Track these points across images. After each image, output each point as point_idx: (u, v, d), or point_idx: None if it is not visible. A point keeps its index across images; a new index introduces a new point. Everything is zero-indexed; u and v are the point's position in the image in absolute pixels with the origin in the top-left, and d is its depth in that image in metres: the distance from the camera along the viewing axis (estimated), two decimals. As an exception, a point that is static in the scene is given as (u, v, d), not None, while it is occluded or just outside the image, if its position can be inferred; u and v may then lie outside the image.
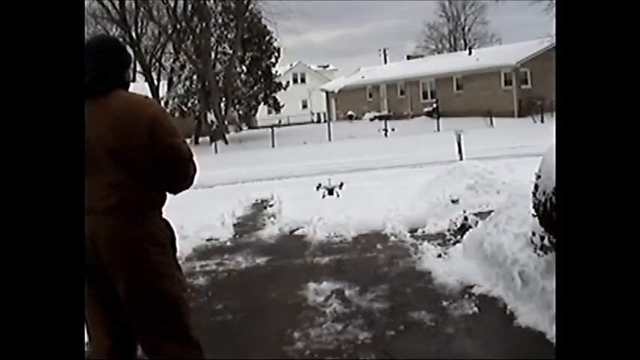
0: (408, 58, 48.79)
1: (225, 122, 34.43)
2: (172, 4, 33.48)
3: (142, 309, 2.45)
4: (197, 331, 2.60)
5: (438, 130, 28.28)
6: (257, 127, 44.21)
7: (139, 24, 36.99)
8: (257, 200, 10.79)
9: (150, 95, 27.82)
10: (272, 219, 8.54)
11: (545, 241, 4.02)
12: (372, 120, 38.43)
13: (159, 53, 39.24)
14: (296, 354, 3.65)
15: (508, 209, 5.13)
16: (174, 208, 3.27)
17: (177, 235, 2.68)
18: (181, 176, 2.54)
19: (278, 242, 7.18)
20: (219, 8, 34.69)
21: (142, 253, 2.41)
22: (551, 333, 3.42)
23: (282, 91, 39.40)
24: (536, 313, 3.72)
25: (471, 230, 5.79)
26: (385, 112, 39.53)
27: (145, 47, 38.53)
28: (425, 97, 38.63)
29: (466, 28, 60.32)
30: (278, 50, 37.95)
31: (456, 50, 54.86)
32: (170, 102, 34.48)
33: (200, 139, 34.02)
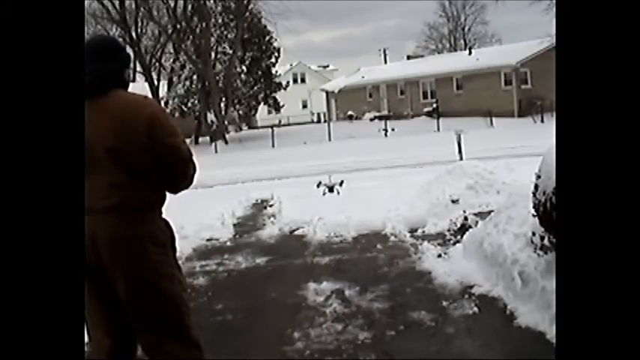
0: (408, 58, 48.80)
1: (225, 122, 34.43)
2: (172, 4, 33.49)
3: (142, 309, 2.45)
4: (197, 331, 2.60)
5: (438, 130, 28.28)
6: (257, 127, 44.21)
7: (139, 24, 37.00)
8: (257, 200, 10.79)
9: (150, 95, 27.82)
10: (272, 219, 8.54)
11: (545, 241, 4.02)
12: (372, 120, 38.43)
13: (159, 53, 39.25)
14: (296, 354, 3.65)
15: (508, 209, 5.13)
16: (174, 208, 3.27)
17: (177, 235, 2.69)
18: (181, 176, 2.54)
19: (278, 242, 7.18)
20: (219, 8, 34.70)
21: (141, 253, 2.41)
22: (551, 333, 3.42)
23: (282, 91, 39.41)
24: (536, 313, 3.72)
25: (471, 230, 5.79)
26: (385, 112, 39.53)
27: (145, 47, 38.53)
28: (425, 97, 38.63)
29: (466, 28, 60.39)
30: (278, 50, 37.97)
31: (456, 50, 54.87)
32: (170, 102, 34.49)
33: (200, 139, 34.02)
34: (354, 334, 3.86)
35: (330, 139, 29.47)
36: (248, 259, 6.32)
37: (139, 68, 36.41)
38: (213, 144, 30.13)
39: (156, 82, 35.13)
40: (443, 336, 3.75)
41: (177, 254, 2.65)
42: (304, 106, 57.68)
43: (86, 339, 2.43)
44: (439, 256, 5.57)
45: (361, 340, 3.77)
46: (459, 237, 6.16)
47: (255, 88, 36.90)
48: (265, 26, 35.70)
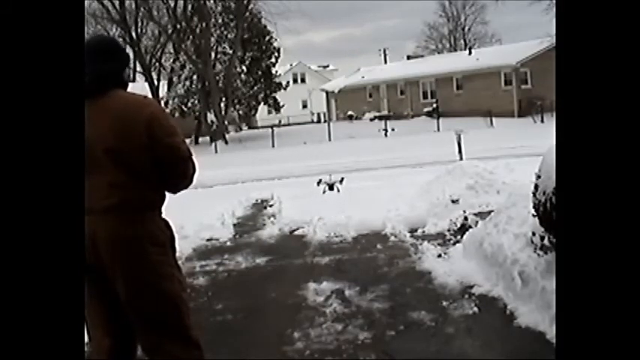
0: (408, 58, 48.79)
1: (225, 122, 34.44)
2: (172, 4, 33.49)
3: (141, 309, 2.45)
4: (197, 331, 2.60)
5: (438, 130, 28.28)
6: (257, 127, 44.21)
7: (139, 24, 37.01)
8: (257, 200, 10.79)
9: (150, 95, 27.81)
10: (272, 219, 8.54)
11: (545, 241, 4.02)
12: (372, 120, 38.43)
13: (159, 53, 39.26)
14: (296, 354, 3.65)
15: (508, 209, 5.13)
16: (174, 208, 3.27)
17: (177, 235, 2.69)
18: (181, 176, 2.54)
19: (278, 242, 7.18)
20: (219, 8, 34.70)
21: (141, 253, 2.41)
22: (551, 333, 3.42)
23: (282, 91, 39.41)
24: (536, 313, 3.72)
25: (471, 230, 5.79)
26: (385, 112, 39.54)
27: (145, 47, 38.54)
28: (425, 97, 38.64)
29: (466, 28, 60.39)
30: (278, 50, 37.98)
31: (456, 50, 54.86)
32: (170, 102, 34.49)
33: (200, 139, 34.03)
34: (354, 334, 3.86)
35: (330, 139, 29.48)
36: (248, 259, 6.32)
37: (139, 68, 36.42)
38: (213, 144, 30.13)
39: (156, 82, 35.14)
40: (443, 336, 3.75)
41: (177, 254, 2.65)
42: (304, 106, 57.68)
43: (86, 339, 2.43)
44: (439, 256, 5.57)
45: (361, 340, 3.77)
46: (459, 237, 6.16)
47: (255, 88, 36.90)
48: (265, 26, 35.71)
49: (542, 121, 28.38)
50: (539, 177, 3.97)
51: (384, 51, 54.56)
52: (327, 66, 69.86)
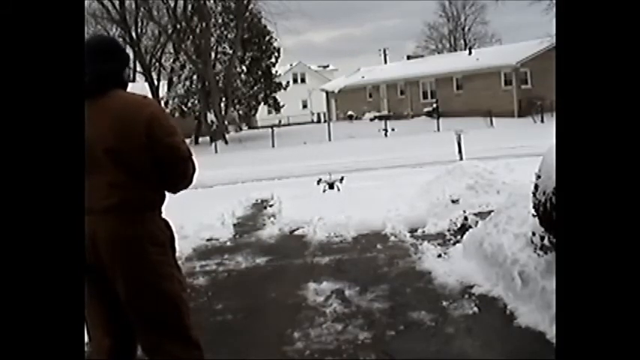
0: (408, 58, 48.80)
1: (225, 122, 34.44)
2: (172, 4, 33.49)
3: (141, 309, 2.45)
4: (197, 331, 2.60)
5: (438, 130, 28.28)
6: (257, 127, 44.21)
7: (139, 24, 37.01)
8: (257, 200, 10.79)
9: (150, 95, 27.81)
10: (272, 219, 8.54)
11: (545, 241, 4.02)
12: (372, 120, 38.44)
13: (159, 53, 39.26)
14: (296, 354, 3.65)
15: (508, 209, 5.13)
16: (174, 208, 3.27)
17: (177, 235, 2.69)
18: (181, 176, 2.54)
19: (278, 242, 7.18)
20: (219, 8, 34.70)
21: (141, 253, 2.41)
22: (551, 333, 3.42)
23: (282, 91, 39.41)
24: (536, 313, 3.72)
25: (471, 230, 5.79)
26: (385, 112, 39.54)
27: (145, 47, 38.54)
28: (425, 97, 38.64)
29: (466, 28, 60.39)
30: (278, 50, 37.98)
31: (456, 50, 54.86)
32: (170, 102, 34.49)
33: (200, 139, 34.03)
34: (354, 334, 3.86)
35: (330, 139, 29.48)
36: (248, 259, 6.32)
37: (139, 68, 36.42)
38: (213, 144, 30.13)
39: (156, 82, 35.14)
40: (443, 336, 3.75)
41: (177, 254, 2.65)
42: (304, 106, 57.68)
43: (86, 339, 2.43)
44: (439, 256, 5.57)
45: (361, 340, 3.77)
46: (459, 237, 6.15)
47: (255, 88, 36.90)
48: (265, 26, 35.72)
49: (542, 121, 28.39)
50: (539, 177, 3.97)
51: (384, 51, 54.62)
52: (327, 66, 69.87)
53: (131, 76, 2.91)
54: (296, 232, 7.49)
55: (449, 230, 6.72)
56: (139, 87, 28.61)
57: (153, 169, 2.44)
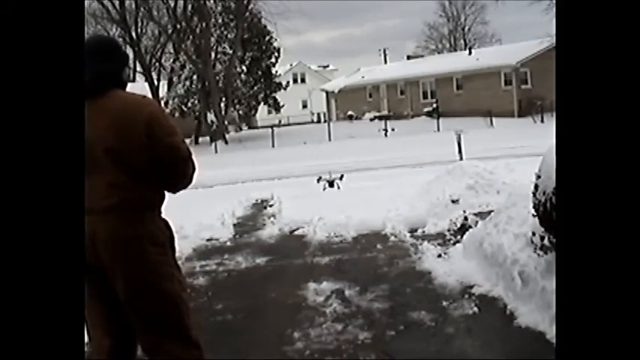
0: (408, 58, 48.80)
1: (225, 122, 34.45)
2: (172, 4, 33.50)
3: (141, 309, 2.45)
4: (197, 331, 2.60)
5: (438, 130, 28.29)
6: (257, 127, 44.22)
7: (139, 24, 37.03)
8: (257, 200, 10.79)
9: (150, 95, 27.82)
10: (272, 219, 8.54)
11: (545, 241, 4.02)
12: (372, 120, 38.45)
13: (159, 53, 39.27)
14: (296, 354, 3.65)
15: (508, 209, 5.13)
16: (174, 208, 3.27)
17: (177, 235, 2.69)
18: (180, 175, 2.54)
19: (278, 242, 7.18)
20: (219, 8, 34.71)
21: (141, 253, 2.41)
22: (551, 333, 3.42)
23: (282, 91, 39.43)
24: (536, 313, 3.72)
25: (471, 230, 5.79)
26: (385, 112, 39.55)
27: (145, 47, 38.56)
28: (425, 97, 38.65)
29: (466, 28, 60.39)
30: (278, 50, 38.00)
31: (456, 50, 54.86)
32: (170, 102, 34.50)
33: (200, 139, 34.04)
34: (354, 334, 3.86)
35: (330, 139, 29.49)
36: (248, 259, 6.32)
37: (139, 68, 36.45)
38: (213, 144, 30.14)
39: (156, 82, 35.15)
40: (443, 336, 3.75)
41: (177, 254, 2.65)
42: (304, 106, 57.69)
43: (86, 339, 2.43)
44: (439, 256, 5.57)
45: (361, 340, 3.77)
46: (459, 237, 6.15)
47: (255, 88, 36.91)
48: (265, 26, 35.73)
49: (542, 121, 28.39)
50: (539, 177, 3.97)
51: (384, 51, 54.62)
52: (327, 66, 69.87)
53: (131, 76, 2.90)
54: (296, 232, 7.49)
55: (449, 230, 6.72)
56: (139, 87, 28.62)
57: (153, 169, 2.44)
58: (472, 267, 4.93)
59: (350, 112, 41.79)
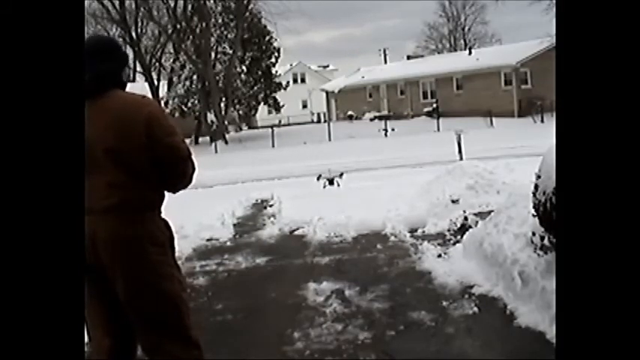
0: (408, 58, 48.80)
1: (225, 122, 34.45)
2: (172, 4, 33.51)
3: (141, 309, 2.45)
4: (197, 331, 2.60)
5: (438, 130, 28.30)
6: (257, 127, 44.22)
7: (139, 24, 37.03)
8: (257, 200, 10.79)
9: (150, 95, 27.82)
10: (272, 219, 8.54)
11: (545, 241, 4.02)
12: (372, 120, 38.45)
13: (159, 53, 39.28)
14: (296, 354, 3.65)
15: (508, 209, 5.13)
16: (174, 208, 3.27)
17: (177, 235, 2.69)
18: (180, 175, 2.54)
19: (278, 242, 7.18)
20: (219, 8, 34.71)
21: (141, 253, 2.41)
22: (551, 333, 3.42)
23: (282, 91, 39.43)
24: (536, 313, 3.72)
25: (471, 230, 5.79)
26: (385, 112, 39.55)
27: (145, 47, 38.57)
28: (425, 97, 38.64)
29: (466, 28, 60.39)
30: (278, 50, 38.00)
31: (456, 50, 54.87)
32: (170, 102, 34.50)
33: (200, 139, 34.04)
34: (354, 334, 3.86)
35: (330, 139, 29.49)
36: (248, 259, 6.32)
37: (139, 68, 36.46)
38: (213, 144, 30.14)
39: (156, 82, 35.15)
40: (443, 336, 3.75)
41: (177, 254, 2.65)
42: (304, 106, 57.69)
43: (86, 339, 2.43)
44: (439, 256, 5.57)
45: (361, 340, 3.77)
46: (459, 237, 6.15)
47: (255, 88, 36.92)
48: (265, 26, 35.73)
49: (542, 121, 28.40)
50: (539, 177, 3.97)
51: (384, 51, 54.63)
52: (327, 66, 69.88)
53: (130, 75, 2.90)
54: (296, 232, 7.49)
55: (449, 230, 6.71)
56: (138, 87, 28.63)
57: (152, 169, 2.44)
58: (472, 267, 4.93)
59: (350, 112, 41.79)
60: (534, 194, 4.03)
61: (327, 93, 47.15)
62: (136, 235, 2.40)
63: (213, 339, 3.70)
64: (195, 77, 33.86)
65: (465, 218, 6.75)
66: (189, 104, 34.58)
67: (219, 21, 34.47)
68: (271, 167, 18.66)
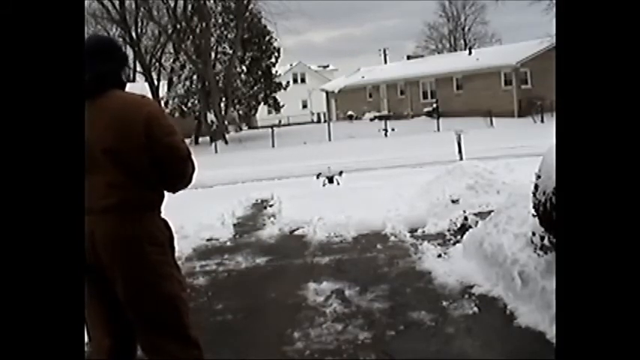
0: (408, 58, 48.80)
1: (225, 122, 34.45)
2: (172, 4, 33.51)
3: (141, 309, 2.45)
4: (197, 331, 2.60)
5: (438, 130, 28.30)
6: (257, 127, 44.22)
7: (139, 24, 37.04)
8: (257, 200, 10.79)
9: (150, 95, 27.83)
10: (272, 219, 8.54)
11: (545, 241, 4.02)
12: (372, 120, 38.45)
13: (159, 53, 39.29)
14: (296, 354, 3.65)
15: (508, 209, 5.13)
16: (174, 208, 3.27)
17: (177, 235, 2.69)
18: (180, 175, 2.54)
19: (278, 242, 7.18)
20: (219, 8, 34.72)
21: (140, 253, 2.41)
22: (551, 333, 3.42)
23: (282, 91, 39.44)
24: (536, 313, 3.72)
25: (471, 230, 5.79)
26: (385, 112, 39.55)
27: (145, 47, 38.58)
28: (425, 97, 38.64)
29: (466, 28, 60.38)
30: (278, 50, 38.01)
31: (456, 50, 54.86)
32: (170, 102, 34.51)
33: (200, 139, 34.04)
34: (354, 334, 3.86)
35: (330, 139, 29.49)
36: (248, 259, 6.32)
37: (139, 68, 36.46)
38: (213, 144, 30.14)
39: (156, 82, 35.16)
40: (443, 336, 3.75)
41: (177, 254, 2.65)
42: (304, 106, 57.69)
43: (86, 339, 2.43)
44: (439, 256, 5.57)
45: (361, 340, 3.77)
46: (459, 237, 6.15)
47: (255, 88, 36.92)
48: (265, 26, 35.75)
49: (542, 121, 28.40)
50: (539, 177, 3.97)
51: (384, 51, 54.62)
52: (327, 66, 69.88)
53: (130, 75, 2.90)
54: (296, 232, 7.49)
55: (449, 230, 6.71)
56: (138, 87, 28.63)
57: (152, 169, 2.43)
58: (472, 267, 4.93)
59: (350, 112, 41.78)
60: (534, 194, 4.03)
61: (327, 93, 47.15)
62: (135, 235, 2.40)
63: (213, 339, 3.70)
64: (195, 77, 33.86)
65: (465, 218, 6.75)
66: (189, 104, 34.59)
67: (219, 21, 34.48)
68: (271, 167, 18.66)
